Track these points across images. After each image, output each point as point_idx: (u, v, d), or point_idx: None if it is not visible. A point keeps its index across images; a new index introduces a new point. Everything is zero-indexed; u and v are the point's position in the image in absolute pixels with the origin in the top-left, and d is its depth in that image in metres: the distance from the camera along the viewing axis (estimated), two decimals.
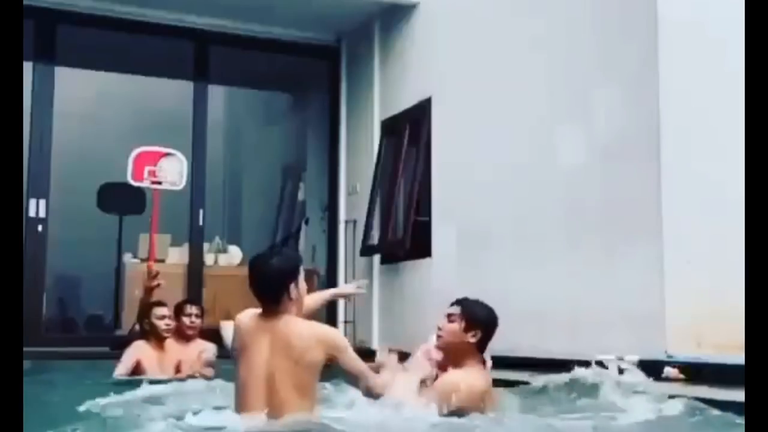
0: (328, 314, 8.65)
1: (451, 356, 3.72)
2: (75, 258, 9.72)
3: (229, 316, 8.00)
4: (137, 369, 5.89)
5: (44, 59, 7.90)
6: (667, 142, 5.08)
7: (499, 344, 6.06)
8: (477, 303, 3.81)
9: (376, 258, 8.05)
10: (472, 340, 3.72)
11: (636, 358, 4.84)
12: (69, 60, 8.37)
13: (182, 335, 6.19)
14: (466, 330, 3.74)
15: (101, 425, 3.52)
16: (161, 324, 6.03)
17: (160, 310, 6.09)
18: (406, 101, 7.83)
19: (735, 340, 3.49)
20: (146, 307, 6.16)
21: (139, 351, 5.99)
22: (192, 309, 6.30)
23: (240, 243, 9.39)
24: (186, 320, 6.21)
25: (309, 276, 8.61)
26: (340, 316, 8.48)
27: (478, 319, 3.74)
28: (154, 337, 6.04)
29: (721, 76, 5.13)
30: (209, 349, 6.29)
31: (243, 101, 11.46)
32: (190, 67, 8.60)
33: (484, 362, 3.74)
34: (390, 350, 3.88)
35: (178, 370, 6.00)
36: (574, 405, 4.20)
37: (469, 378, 3.64)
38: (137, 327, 6.31)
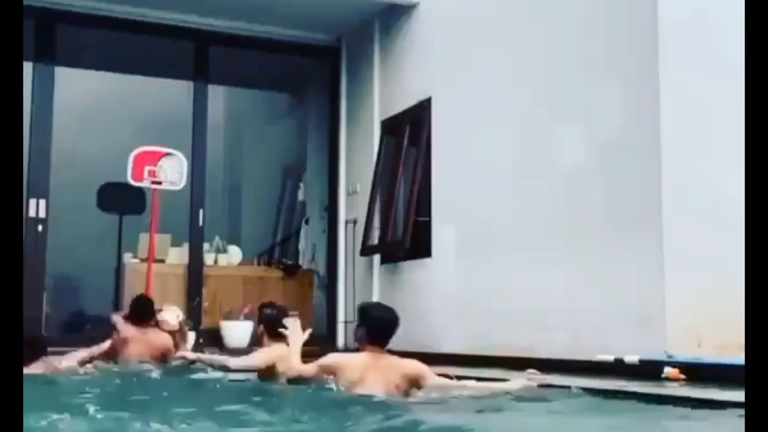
0: (328, 315, 8.66)
1: None
2: (75, 258, 9.71)
3: (228, 316, 8.08)
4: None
5: (44, 59, 7.90)
6: (667, 141, 5.09)
7: (500, 343, 6.10)
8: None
9: (376, 258, 8.05)
10: None
11: (636, 358, 4.85)
12: (69, 60, 8.37)
13: None
14: None
15: None
16: None
17: None
18: (406, 101, 7.83)
19: (735, 340, 3.49)
20: None
21: None
22: None
23: (240, 243, 9.39)
24: None
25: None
26: (340, 316, 8.49)
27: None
28: None
29: (721, 76, 5.13)
30: None
31: (243, 101, 11.45)
32: (190, 67, 8.60)
33: None
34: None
35: None
36: None
37: None
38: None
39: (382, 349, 4.31)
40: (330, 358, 4.46)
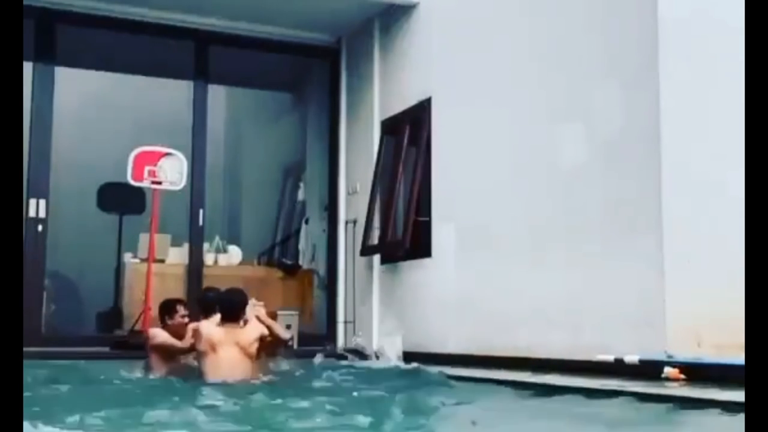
0: (328, 315, 8.67)
1: None
2: (75, 258, 9.71)
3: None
4: None
5: (44, 59, 7.90)
6: (667, 141, 5.09)
7: (500, 344, 6.10)
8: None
9: (376, 258, 8.05)
10: None
11: (636, 358, 4.85)
12: (69, 60, 8.37)
13: (177, 334, 6.22)
14: None
15: None
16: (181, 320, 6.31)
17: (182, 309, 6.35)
18: (406, 101, 7.83)
19: (735, 340, 3.49)
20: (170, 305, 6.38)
21: None
22: (182, 309, 6.38)
23: (240, 243, 9.39)
24: (179, 320, 6.29)
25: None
26: (340, 317, 8.49)
27: None
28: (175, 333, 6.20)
29: (721, 76, 5.13)
30: None
31: (243, 101, 11.46)
32: (190, 67, 8.60)
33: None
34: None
35: None
36: None
37: None
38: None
39: (234, 323, 5.57)
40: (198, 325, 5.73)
